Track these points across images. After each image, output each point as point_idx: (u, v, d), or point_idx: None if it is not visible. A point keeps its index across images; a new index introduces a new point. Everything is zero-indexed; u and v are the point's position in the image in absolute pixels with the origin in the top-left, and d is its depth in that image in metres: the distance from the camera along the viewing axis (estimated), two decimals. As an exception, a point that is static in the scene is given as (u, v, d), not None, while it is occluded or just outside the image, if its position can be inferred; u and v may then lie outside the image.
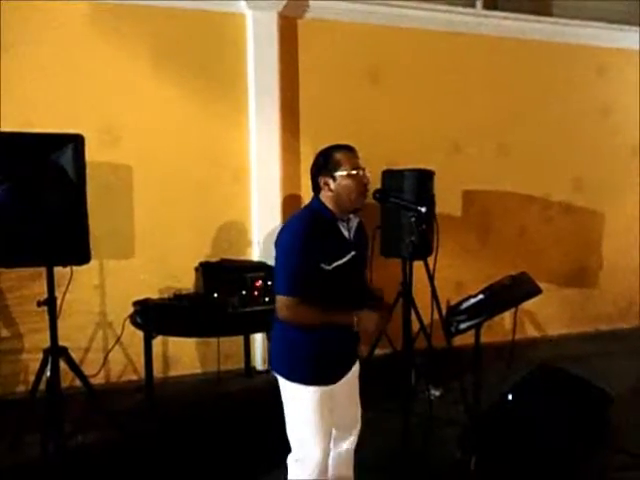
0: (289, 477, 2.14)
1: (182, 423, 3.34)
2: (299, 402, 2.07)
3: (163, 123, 3.87)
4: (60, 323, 3.50)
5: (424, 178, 3.84)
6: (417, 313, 3.90)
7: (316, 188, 2.12)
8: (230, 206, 4.09)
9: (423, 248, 3.90)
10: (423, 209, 2.03)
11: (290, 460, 2.14)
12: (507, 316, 4.92)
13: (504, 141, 4.72)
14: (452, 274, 4.57)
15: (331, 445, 2.26)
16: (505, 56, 4.65)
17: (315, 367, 2.08)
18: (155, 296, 3.66)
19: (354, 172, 2.07)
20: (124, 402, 3.57)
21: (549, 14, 4.99)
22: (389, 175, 3.92)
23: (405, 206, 2.09)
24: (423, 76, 4.44)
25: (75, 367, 3.08)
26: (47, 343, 3.12)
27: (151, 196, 3.90)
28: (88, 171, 3.50)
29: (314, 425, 2.07)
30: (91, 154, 3.58)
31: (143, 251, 3.92)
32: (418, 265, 4.16)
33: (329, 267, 1.99)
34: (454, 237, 4.60)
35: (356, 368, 2.28)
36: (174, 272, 3.89)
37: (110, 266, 3.86)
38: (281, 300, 1.99)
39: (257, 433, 3.00)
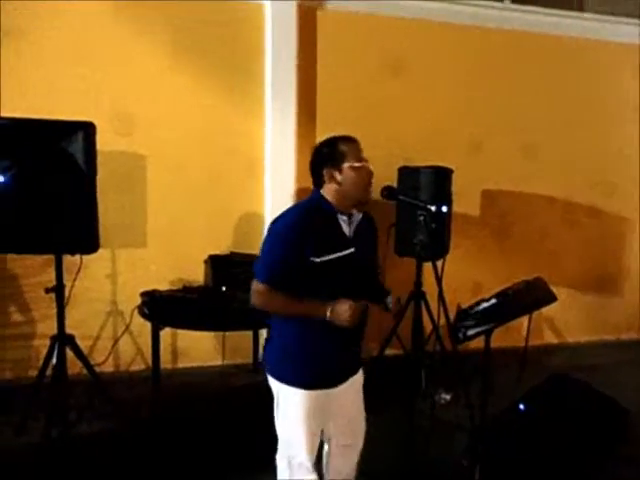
0: (278, 476, 2.10)
1: (184, 415, 3.32)
2: (288, 404, 2.02)
3: (178, 113, 3.85)
4: (71, 311, 3.54)
5: (442, 176, 3.74)
6: (430, 315, 3.82)
7: (318, 181, 2.05)
8: (244, 198, 4.05)
9: (438, 248, 3.82)
10: (433, 208, 1.95)
11: (277, 459, 2.09)
12: (524, 320, 4.76)
13: (528, 141, 4.57)
14: (470, 275, 4.45)
15: (325, 458, 2.19)
16: (533, 52, 4.49)
17: (307, 370, 2.02)
18: (166, 287, 3.64)
19: (359, 164, 2.00)
20: (130, 391, 3.57)
21: (581, 9, 4.81)
22: (405, 172, 3.83)
23: (414, 204, 2.00)
24: (446, 71, 4.31)
25: (81, 355, 3.09)
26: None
27: (165, 186, 3.88)
28: (102, 160, 3.52)
29: (301, 427, 2.01)
30: (106, 143, 3.60)
31: (155, 241, 3.91)
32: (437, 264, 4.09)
33: (318, 260, 1.93)
34: (472, 237, 4.49)
35: (359, 377, 2.20)
36: (185, 263, 3.87)
37: (122, 255, 3.86)
38: (255, 285, 1.96)
39: (256, 429, 2.95)
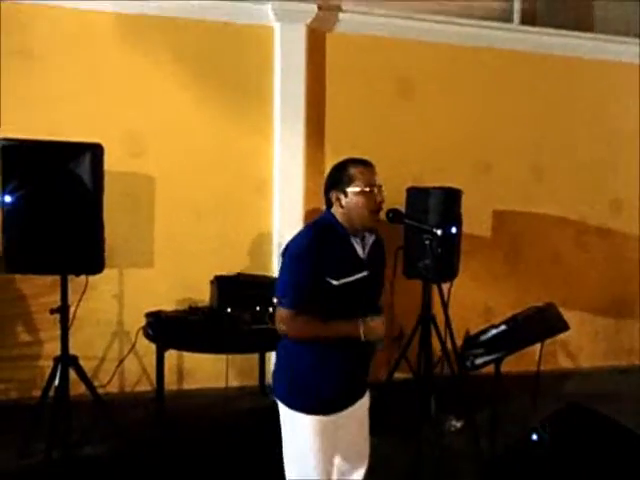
0: None
1: (187, 438, 3.27)
2: (298, 430, 1.96)
3: (187, 134, 3.87)
4: (78, 331, 3.53)
5: (451, 197, 3.70)
6: (440, 338, 3.75)
7: (328, 203, 2.04)
8: (252, 218, 4.04)
9: (446, 270, 3.78)
10: (439, 231, 1.91)
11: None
12: (538, 344, 4.69)
13: (538, 161, 4.52)
14: (480, 298, 4.38)
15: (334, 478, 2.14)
16: (542, 73, 4.47)
17: (317, 395, 1.96)
18: (173, 307, 3.62)
19: (367, 189, 1.96)
20: (134, 413, 3.54)
21: (590, 29, 4.79)
22: (414, 193, 3.80)
23: (420, 228, 1.96)
24: (454, 92, 4.31)
25: (84, 376, 3.06)
26: (69, 349, 3.13)
27: (173, 207, 3.89)
28: (111, 180, 3.54)
29: (314, 455, 1.95)
30: (115, 164, 3.63)
31: (162, 262, 3.91)
32: (445, 288, 4.02)
33: (337, 283, 1.89)
34: (482, 260, 4.43)
35: (366, 400, 2.15)
36: (193, 284, 3.85)
37: (129, 276, 3.85)
38: (280, 313, 1.90)
39: (260, 454, 2.91)
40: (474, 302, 4.28)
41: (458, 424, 3.59)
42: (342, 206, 1.98)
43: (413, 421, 3.35)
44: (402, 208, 3.66)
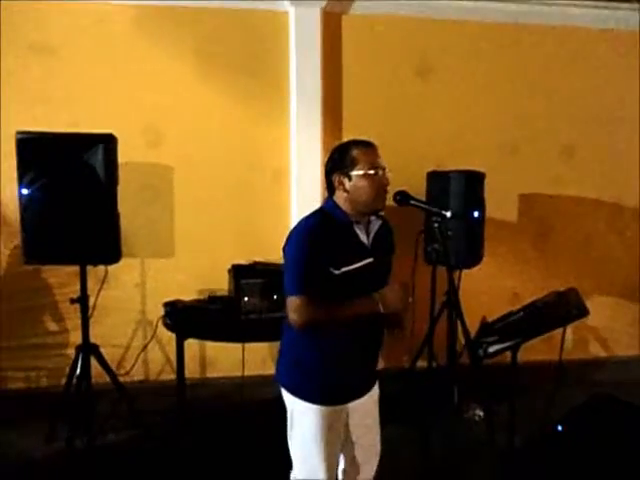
0: None
1: (206, 427, 3.29)
2: (303, 419, 1.94)
3: (204, 124, 3.86)
4: (102, 320, 3.63)
5: (473, 180, 3.59)
6: (464, 326, 3.65)
7: (330, 187, 1.98)
8: (270, 207, 4.01)
9: (469, 255, 3.66)
10: (448, 214, 1.83)
11: (292, 478, 2.01)
12: (569, 332, 4.51)
13: (569, 141, 4.31)
14: (507, 284, 4.24)
15: (341, 475, 2.10)
16: (572, 48, 4.23)
17: (323, 385, 1.93)
18: (193, 297, 3.65)
19: (372, 172, 1.90)
20: (157, 401, 3.57)
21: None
22: (434, 177, 3.70)
23: (428, 210, 1.89)
24: (477, 71, 4.13)
25: (105, 364, 3.11)
26: (93, 338, 3.20)
27: (192, 196, 3.89)
28: (132, 171, 3.60)
29: (318, 445, 1.92)
30: (135, 154, 3.68)
31: (183, 251, 3.93)
32: (470, 274, 3.91)
33: (338, 272, 1.84)
34: (509, 244, 4.28)
35: (375, 392, 2.10)
36: (212, 273, 3.85)
37: (151, 265, 3.89)
38: (291, 301, 1.85)
39: (277, 443, 2.90)
40: (500, 288, 4.15)
41: (481, 413, 3.50)
42: (346, 190, 1.93)
43: (434, 411, 3.29)
44: (418, 192, 3.64)
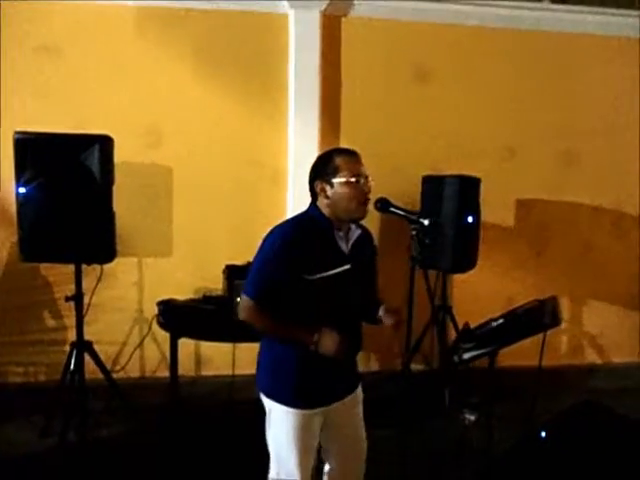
0: None
1: (196, 424, 3.34)
2: (280, 422, 1.96)
3: (203, 124, 3.91)
4: (100, 318, 3.70)
5: (468, 185, 3.60)
6: (456, 329, 3.67)
7: (313, 194, 2.01)
8: (268, 208, 4.04)
9: (464, 260, 3.68)
10: (426, 221, 1.85)
11: (270, 478, 2.04)
12: (564, 337, 4.51)
13: (568, 146, 4.30)
14: (502, 290, 4.23)
15: (327, 471, 2.13)
16: (572, 54, 4.24)
17: (298, 388, 1.94)
18: (190, 296, 3.69)
19: (353, 179, 1.91)
20: (151, 398, 3.63)
21: (632, 6, 4.48)
22: (429, 181, 3.72)
23: (407, 217, 1.91)
24: (475, 76, 4.14)
25: (99, 361, 3.17)
26: (91, 335, 3.26)
27: (190, 197, 3.94)
28: (131, 171, 3.66)
29: (294, 447, 1.94)
30: (134, 155, 3.74)
31: (181, 250, 3.98)
32: (465, 279, 3.92)
33: (312, 278, 1.86)
34: (505, 249, 4.28)
35: (358, 394, 2.11)
36: (209, 273, 3.89)
37: (148, 264, 3.95)
38: (242, 300, 1.92)
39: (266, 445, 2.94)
40: (495, 293, 4.15)
41: (472, 417, 3.50)
42: (327, 197, 1.95)
43: (425, 413, 3.31)
44: (413, 196, 3.65)
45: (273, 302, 1.88)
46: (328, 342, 1.81)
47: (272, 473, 2.03)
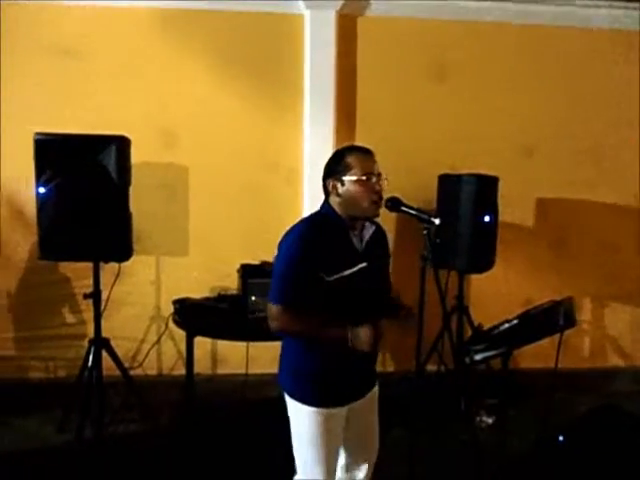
0: None
1: (211, 422, 3.36)
2: (302, 421, 1.96)
3: (219, 125, 3.93)
4: (118, 315, 3.75)
5: (485, 184, 3.55)
6: (472, 328, 3.62)
7: (326, 192, 2.01)
8: (282, 208, 4.05)
9: (481, 260, 3.62)
10: (436, 221, 1.82)
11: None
12: (586, 340, 4.41)
13: (589, 144, 4.19)
14: (521, 291, 4.15)
15: (340, 473, 2.13)
16: (592, 48, 4.12)
17: (320, 387, 1.95)
18: (206, 295, 3.72)
19: (364, 177, 1.90)
20: (166, 395, 3.67)
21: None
22: (446, 180, 3.68)
23: (418, 216, 1.89)
24: (493, 73, 4.07)
25: (116, 358, 3.22)
26: (109, 332, 3.32)
27: (206, 196, 3.97)
28: (148, 172, 3.71)
29: (317, 447, 1.95)
30: (151, 155, 3.79)
31: (197, 250, 4.02)
32: (483, 279, 3.87)
33: (330, 279, 1.86)
34: (524, 250, 4.21)
35: (375, 392, 2.11)
36: (224, 272, 3.93)
37: (165, 263, 3.99)
38: (270, 308, 1.89)
39: (280, 440, 2.94)
40: (514, 294, 4.07)
41: (490, 420, 3.46)
42: (339, 195, 1.95)
43: (441, 416, 3.28)
44: (430, 195, 3.62)
45: (300, 305, 1.86)
46: (363, 337, 1.80)
47: (298, 474, 2.03)
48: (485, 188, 3.52)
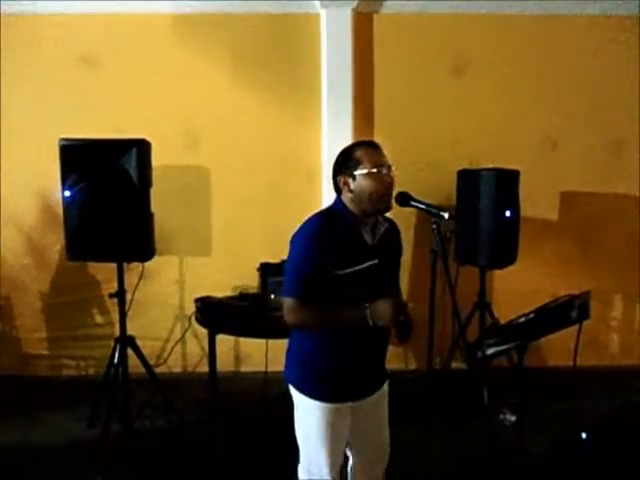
0: None
1: (233, 419, 3.42)
2: (309, 416, 1.98)
3: (239, 126, 3.99)
4: (144, 314, 3.85)
5: (505, 179, 3.50)
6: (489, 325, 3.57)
7: (337, 189, 2.02)
8: (303, 207, 3.96)
9: (503, 256, 3.57)
10: (446, 215, 1.81)
11: (299, 472, 2.06)
12: (615, 337, 4.30)
13: (614, 136, 4.09)
14: (546, 285, 4.06)
15: (350, 473, 2.14)
16: (617, 38, 4.00)
17: (326, 382, 1.95)
18: (228, 294, 3.78)
19: (375, 170, 1.90)
20: (191, 392, 3.75)
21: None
22: (465, 175, 3.64)
23: (427, 211, 1.88)
24: (514, 66, 4.01)
25: (141, 356, 3.30)
26: (136, 331, 3.40)
27: (227, 197, 4.04)
28: (171, 174, 3.80)
29: (323, 441, 1.95)
30: (173, 157, 3.88)
31: (219, 249, 4.09)
32: (505, 275, 3.81)
33: (340, 273, 1.87)
34: (549, 244, 4.13)
35: (384, 390, 2.11)
36: (246, 271, 3.97)
37: (189, 263, 4.08)
38: (285, 302, 1.90)
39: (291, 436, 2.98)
40: (539, 289, 3.97)
41: (513, 418, 3.40)
42: (351, 190, 1.95)
43: (464, 413, 3.24)
44: (449, 191, 3.58)
45: (312, 300, 1.87)
46: (381, 310, 1.80)
47: (301, 466, 2.05)
48: (505, 182, 3.48)
